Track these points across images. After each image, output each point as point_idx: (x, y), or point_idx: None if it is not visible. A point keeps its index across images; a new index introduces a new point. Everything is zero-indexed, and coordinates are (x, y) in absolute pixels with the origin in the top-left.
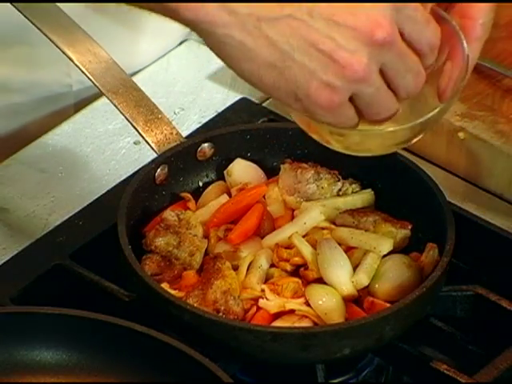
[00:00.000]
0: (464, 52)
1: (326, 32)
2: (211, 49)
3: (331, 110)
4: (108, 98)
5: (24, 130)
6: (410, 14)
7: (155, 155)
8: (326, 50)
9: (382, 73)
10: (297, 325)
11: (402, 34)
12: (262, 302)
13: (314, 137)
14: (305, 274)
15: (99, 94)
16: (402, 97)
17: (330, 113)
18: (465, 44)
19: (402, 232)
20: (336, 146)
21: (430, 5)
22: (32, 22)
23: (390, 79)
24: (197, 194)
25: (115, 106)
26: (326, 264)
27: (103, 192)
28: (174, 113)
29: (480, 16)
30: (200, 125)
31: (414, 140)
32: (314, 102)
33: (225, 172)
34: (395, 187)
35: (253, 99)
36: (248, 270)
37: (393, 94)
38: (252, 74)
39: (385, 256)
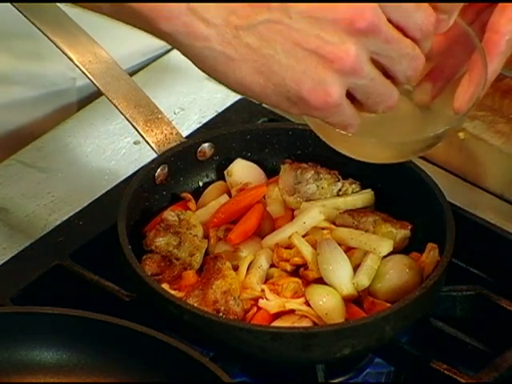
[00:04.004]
0: (484, 66)
1: (308, 30)
2: (193, 62)
3: (329, 109)
4: (108, 98)
5: (26, 126)
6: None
7: (155, 155)
8: (312, 48)
9: (375, 62)
10: (297, 325)
11: (391, 22)
12: (261, 302)
13: (324, 139)
14: (305, 274)
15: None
16: (401, 82)
17: (329, 113)
18: (485, 58)
19: (402, 232)
20: (347, 152)
21: (455, 17)
22: (32, 22)
23: (385, 66)
24: (197, 193)
25: (115, 106)
26: (326, 264)
27: (103, 192)
28: (174, 113)
29: (507, 32)
30: (200, 125)
31: (427, 151)
32: (310, 104)
33: (225, 172)
34: (395, 187)
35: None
36: (248, 270)
37: (390, 82)
38: (239, 83)
39: (385, 256)
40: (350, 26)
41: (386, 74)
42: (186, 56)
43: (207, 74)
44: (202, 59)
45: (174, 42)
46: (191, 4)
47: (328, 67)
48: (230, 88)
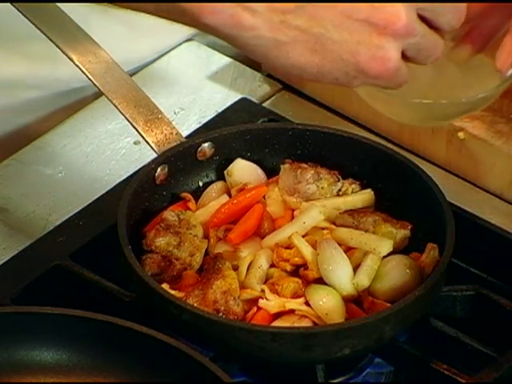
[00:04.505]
0: None
1: (354, 1)
2: (244, 52)
3: (390, 75)
4: (108, 98)
5: (26, 126)
6: None
7: (155, 155)
8: (363, 18)
9: (420, 17)
10: (297, 325)
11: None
12: (261, 302)
13: (383, 111)
14: (305, 274)
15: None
16: (447, 31)
17: (390, 78)
18: None
19: (402, 232)
20: (389, 114)
21: None
22: (32, 22)
23: (431, 20)
24: (197, 193)
25: (115, 106)
26: (326, 264)
27: (103, 192)
28: (174, 113)
29: None
30: (200, 125)
31: (472, 112)
32: (370, 73)
33: (225, 172)
34: (395, 187)
35: (253, 99)
36: (248, 270)
37: (436, 34)
38: (294, 66)
39: (385, 256)
40: None
41: (431, 25)
42: (236, 46)
43: (260, 61)
44: (252, 48)
45: (221, 34)
46: None
47: (382, 33)
48: (285, 73)
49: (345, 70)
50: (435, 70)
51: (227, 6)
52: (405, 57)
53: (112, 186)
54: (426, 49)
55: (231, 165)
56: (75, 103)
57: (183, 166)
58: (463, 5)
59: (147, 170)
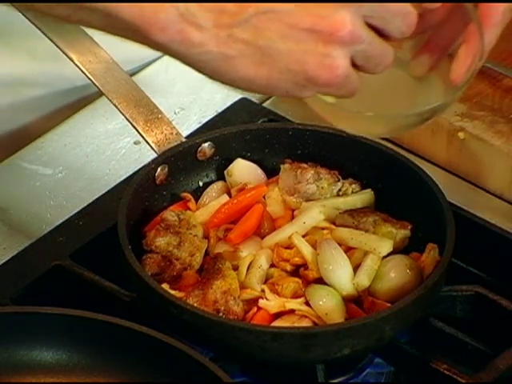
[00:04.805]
0: (480, 37)
1: (299, 10)
2: (194, 68)
3: (339, 82)
4: (108, 98)
5: (27, 126)
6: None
7: (155, 155)
8: (308, 27)
9: (368, 24)
10: (297, 325)
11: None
12: (261, 302)
13: (335, 124)
14: (305, 274)
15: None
16: (397, 39)
17: (340, 85)
18: (481, 29)
19: (402, 232)
20: (347, 128)
21: None
22: (32, 22)
23: (379, 28)
24: (197, 193)
25: (115, 106)
26: (326, 264)
27: (103, 192)
28: (174, 113)
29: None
30: (200, 125)
31: (426, 123)
32: (319, 82)
33: (225, 172)
34: (395, 187)
35: (253, 99)
36: (248, 269)
37: (385, 42)
38: (244, 79)
39: (385, 256)
40: None
41: (380, 33)
42: (185, 63)
43: (210, 77)
44: (202, 64)
45: (170, 51)
46: (181, 9)
47: (328, 41)
48: (235, 87)
49: (294, 80)
50: (392, 82)
51: (176, 22)
52: (355, 66)
53: (112, 186)
54: (375, 56)
55: (231, 165)
56: (79, 101)
57: (183, 166)
58: (412, 11)
59: (147, 170)
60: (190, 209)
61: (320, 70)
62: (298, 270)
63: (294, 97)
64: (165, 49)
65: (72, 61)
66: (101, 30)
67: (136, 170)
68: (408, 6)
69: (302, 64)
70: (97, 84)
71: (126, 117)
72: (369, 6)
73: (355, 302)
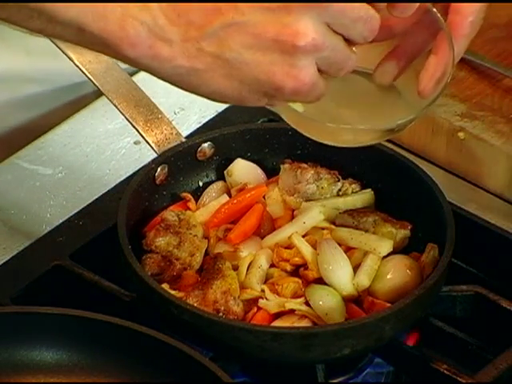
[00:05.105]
0: (450, 48)
1: (263, 20)
2: (168, 82)
3: (307, 90)
4: (108, 98)
5: (27, 126)
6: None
7: (155, 155)
8: (272, 36)
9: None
10: (297, 325)
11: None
12: (261, 302)
13: (303, 132)
14: (305, 274)
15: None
16: (360, 43)
17: (308, 93)
18: (451, 40)
19: (402, 232)
20: (314, 137)
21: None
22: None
23: (342, 33)
24: (197, 193)
25: (115, 106)
26: (326, 264)
27: (103, 192)
28: (174, 113)
29: (470, 13)
30: (200, 125)
31: (391, 136)
32: (287, 91)
33: (225, 172)
34: (395, 187)
35: None
36: (248, 269)
37: (348, 47)
38: (216, 93)
39: (385, 257)
40: (303, 6)
41: (344, 38)
42: (159, 78)
43: (186, 90)
44: (175, 78)
45: (142, 66)
46: (149, 24)
47: (293, 50)
48: (211, 99)
49: (263, 91)
50: (360, 93)
51: (146, 38)
52: (319, 70)
53: (112, 186)
54: (338, 62)
55: (231, 165)
56: (77, 99)
57: (183, 166)
58: (374, 16)
59: (147, 170)
60: (189, 209)
61: (287, 80)
62: (297, 270)
63: (267, 105)
64: (137, 64)
65: (72, 61)
66: (76, 45)
67: (136, 170)
68: (370, 9)
69: (270, 75)
70: (97, 84)
71: (125, 117)
72: (330, 11)
73: (355, 302)
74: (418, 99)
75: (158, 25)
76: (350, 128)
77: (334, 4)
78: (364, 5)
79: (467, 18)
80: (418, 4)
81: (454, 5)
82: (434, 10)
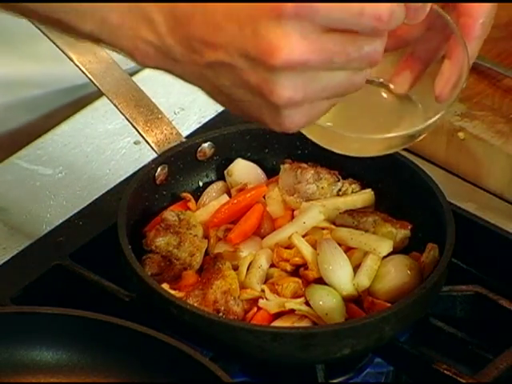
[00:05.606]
0: (464, 51)
1: (246, 67)
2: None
3: (295, 131)
4: (108, 98)
5: (27, 126)
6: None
7: (155, 155)
8: (254, 85)
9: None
10: (297, 325)
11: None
12: (262, 302)
13: (326, 146)
14: (305, 274)
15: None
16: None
17: (306, 122)
18: (464, 43)
19: (402, 232)
20: (335, 149)
21: (429, 4)
22: (32, 22)
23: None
24: (197, 193)
25: (115, 105)
26: (326, 264)
27: (103, 192)
28: (174, 113)
29: (480, 15)
30: (200, 125)
31: (415, 142)
32: (278, 130)
33: (225, 172)
34: (395, 187)
35: None
36: (248, 269)
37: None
38: (231, 110)
39: (385, 257)
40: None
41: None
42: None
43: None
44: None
45: (158, 70)
46: (156, 43)
47: (273, 106)
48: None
49: (263, 122)
50: (378, 104)
51: (154, 56)
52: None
53: (112, 186)
54: (319, 113)
55: (231, 165)
56: (78, 100)
57: (183, 166)
58: (376, 51)
59: (147, 170)
60: (190, 209)
61: (274, 126)
62: (297, 270)
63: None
64: (153, 68)
65: (72, 61)
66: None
67: (136, 170)
68: (365, 47)
69: (260, 115)
70: (97, 84)
71: (126, 117)
72: (312, 70)
73: (355, 302)
74: (433, 105)
75: (165, 45)
76: (370, 138)
77: (307, 66)
78: (357, 45)
79: (478, 20)
80: (428, 10)
81: (463, 8)
82: (445, 13)
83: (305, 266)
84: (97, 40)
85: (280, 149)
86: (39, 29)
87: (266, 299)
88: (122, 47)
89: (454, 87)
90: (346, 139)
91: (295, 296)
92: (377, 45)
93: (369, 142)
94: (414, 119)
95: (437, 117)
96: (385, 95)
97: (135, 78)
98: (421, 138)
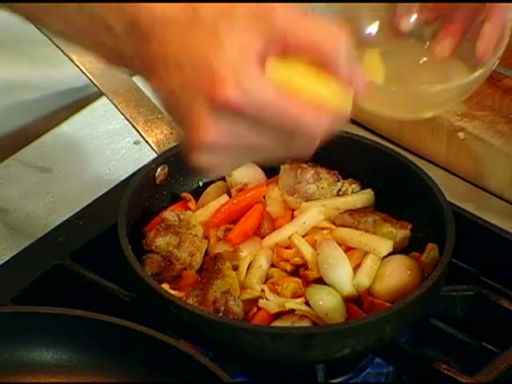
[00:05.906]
0: (503, 12)
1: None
2: None
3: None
4: (108, 98)
5: (27, 127)
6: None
7: (155, 155)
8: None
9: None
10: (297, 325)
11: None
12: (261, 302)
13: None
14: (305, 274)
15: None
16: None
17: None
18: (503, 3)
19: (402, 232)
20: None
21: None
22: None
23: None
24: (197, 193)
25: (115, 105)
26: (326, 264)
27: (103, 192)
28: None
29: None
30: None
31: (458, 101)
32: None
33: None
34: (395, 187)
35: None
36: (248, 269)
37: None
38: None
39: (385, 257)
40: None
41: None
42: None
43: None
44: None
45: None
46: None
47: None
48: None
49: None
50: (418, 64)
51: (171, 83)
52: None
53: (112, 185)
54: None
55: None
56: (77, 102)
57: (183, 166)
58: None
59: (147, 170)
60: (190, 209)
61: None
62: (298, 270)
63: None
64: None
65: (72, 61)
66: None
67: (136, 170)
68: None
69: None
70: (97, 84)
71: (125, 117)
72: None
73: (355, 302)
74: (472, 67)
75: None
76: (413, 93)
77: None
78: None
79: None
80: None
81: None
82: None
83: (305, 265)
84: (68, 39)
85: None
86: (39, 29)
87: (266, 299)
88: (87, 48)
89: (496, 47)
90: (400, 97)
91: (295, 296)
92: (300, 142)
93: (425, 97)
94: (461, 75)
95: (485, 68)
96: (429, 57)
97: (135, 78)
98: (469, 94)
